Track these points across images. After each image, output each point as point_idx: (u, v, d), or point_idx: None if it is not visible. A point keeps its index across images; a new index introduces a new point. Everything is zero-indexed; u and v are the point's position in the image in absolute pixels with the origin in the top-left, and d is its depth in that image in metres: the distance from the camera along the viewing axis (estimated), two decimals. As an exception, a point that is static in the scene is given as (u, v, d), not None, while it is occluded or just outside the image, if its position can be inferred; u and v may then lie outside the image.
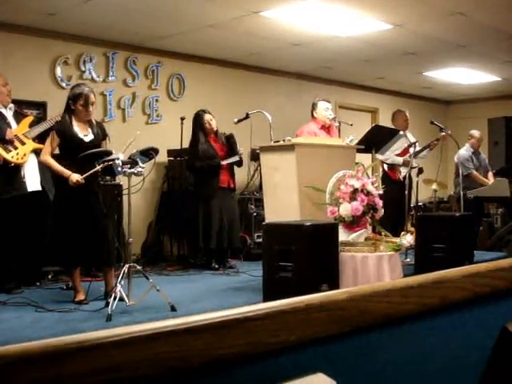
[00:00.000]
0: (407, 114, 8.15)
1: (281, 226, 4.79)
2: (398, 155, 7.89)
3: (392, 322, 1.02)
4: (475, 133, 8.86)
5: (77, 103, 5.06)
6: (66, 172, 4.92)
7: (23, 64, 7.10)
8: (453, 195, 9.19)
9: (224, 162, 6.90)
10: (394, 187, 7.55)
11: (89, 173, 4.86)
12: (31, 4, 6.33)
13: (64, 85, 7.35)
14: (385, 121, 9.32)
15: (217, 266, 6.99)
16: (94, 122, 5.24)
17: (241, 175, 7.41)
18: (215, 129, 7.07)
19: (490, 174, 8.93)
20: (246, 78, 9.40)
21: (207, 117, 7.04)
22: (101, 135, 5.24)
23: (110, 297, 4.57)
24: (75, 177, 4.87)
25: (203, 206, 6.95)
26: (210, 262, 7.07)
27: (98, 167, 4.89)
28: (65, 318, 4.61)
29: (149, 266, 7.09)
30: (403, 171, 7.90)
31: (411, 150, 7.47)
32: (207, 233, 6.88)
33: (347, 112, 10.52)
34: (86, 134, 5.11)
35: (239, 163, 7.17)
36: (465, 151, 8.67)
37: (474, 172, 8.62)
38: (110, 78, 7.90)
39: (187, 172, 7.55)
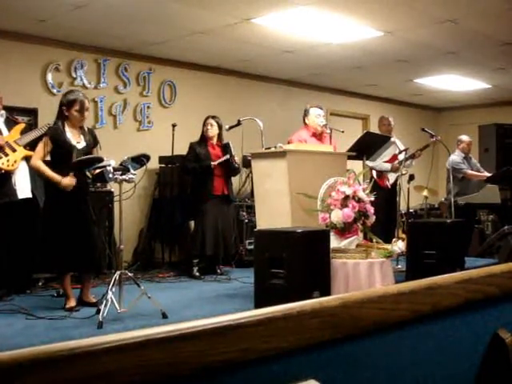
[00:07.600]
0: (391, 120, 8.16)
1: (272, 232, 4.78)
2: (385, 162, 7.90)
3: (384, 328, 1.02)
4: (464, 137, 8.88)
5: (71, 109, 5.05)
6: (57, 177, 4.90)
7: (14, 70, 7.08)
8: (444, 202, 9.20)
9: (215, 163, 6.89)
10: (382, 194, 7.56)
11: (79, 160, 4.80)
12: (22, 10, 6.31)
13: (55, 91, 7.33)
14: (376, 128, 9.33)
15: (198, 274, 6.96)
16: (85, 129, 5.23)
17: (232, 182, 7.41)
18: (211, 134, 7.06)
19: (484, 172, 8.88)
20: (237, 84, 9.41)
21: (208, 121, 7.09)
22: (92, 142, 5.23)
23: (101, 304, 4.57)
24: (67, 179, 4.86)
25: (197, 212, 6.96)
26: (197, 268, 7.04)
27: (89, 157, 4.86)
28: (55, 325, 4.59)
29: (140, 272, 7.07)
30: (391, 178, 7.92)
31: (400, 156, 7.49)
32: (202, 239, 6.87)
33: (338, 119, 10.55)
34: (78, 141, 5.10)
35: (235, 172, 7.16)
36: (456, 156, 8.68)
37: (469, 171, 8.61)
38: (101, 85, 7.89)
39: (179, 179, 7.54)
